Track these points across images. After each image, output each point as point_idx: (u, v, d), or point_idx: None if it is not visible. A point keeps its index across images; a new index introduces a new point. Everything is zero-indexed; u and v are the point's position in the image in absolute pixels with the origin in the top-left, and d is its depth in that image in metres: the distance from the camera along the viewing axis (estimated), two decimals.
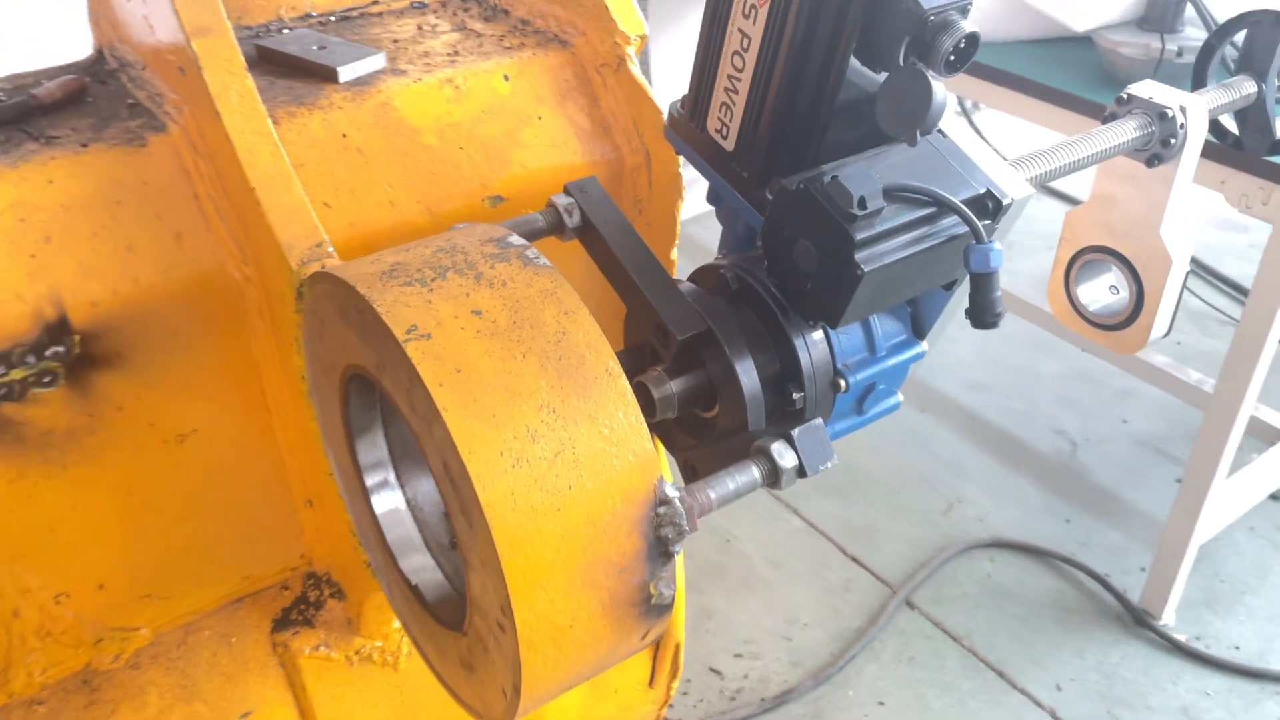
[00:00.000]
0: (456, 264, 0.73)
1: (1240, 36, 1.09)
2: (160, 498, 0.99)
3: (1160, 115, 0.97)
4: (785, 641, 2.08)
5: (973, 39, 0.75)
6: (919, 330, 0.95)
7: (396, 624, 1.12)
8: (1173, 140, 0.97)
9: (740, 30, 0.81)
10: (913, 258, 0.80)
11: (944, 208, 0.80)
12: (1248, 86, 1.06)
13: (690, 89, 0.89)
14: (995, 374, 2.80)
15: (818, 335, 0.88)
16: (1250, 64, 1.07)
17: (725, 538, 2.30)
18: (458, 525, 0.71)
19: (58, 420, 0.91)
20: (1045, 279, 1.18)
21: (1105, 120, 1.00)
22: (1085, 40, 1.91)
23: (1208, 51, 1.12)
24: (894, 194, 0.79)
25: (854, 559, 2.26)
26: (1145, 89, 0.99)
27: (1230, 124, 1.14)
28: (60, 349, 0.88)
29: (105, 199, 0.90)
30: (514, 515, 0.66)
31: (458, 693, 0.85)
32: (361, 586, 1.06)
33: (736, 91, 0.84)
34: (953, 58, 0.75)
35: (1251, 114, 1.09)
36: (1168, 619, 2.10)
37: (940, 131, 0.86)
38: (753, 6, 0.80)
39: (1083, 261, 1.11)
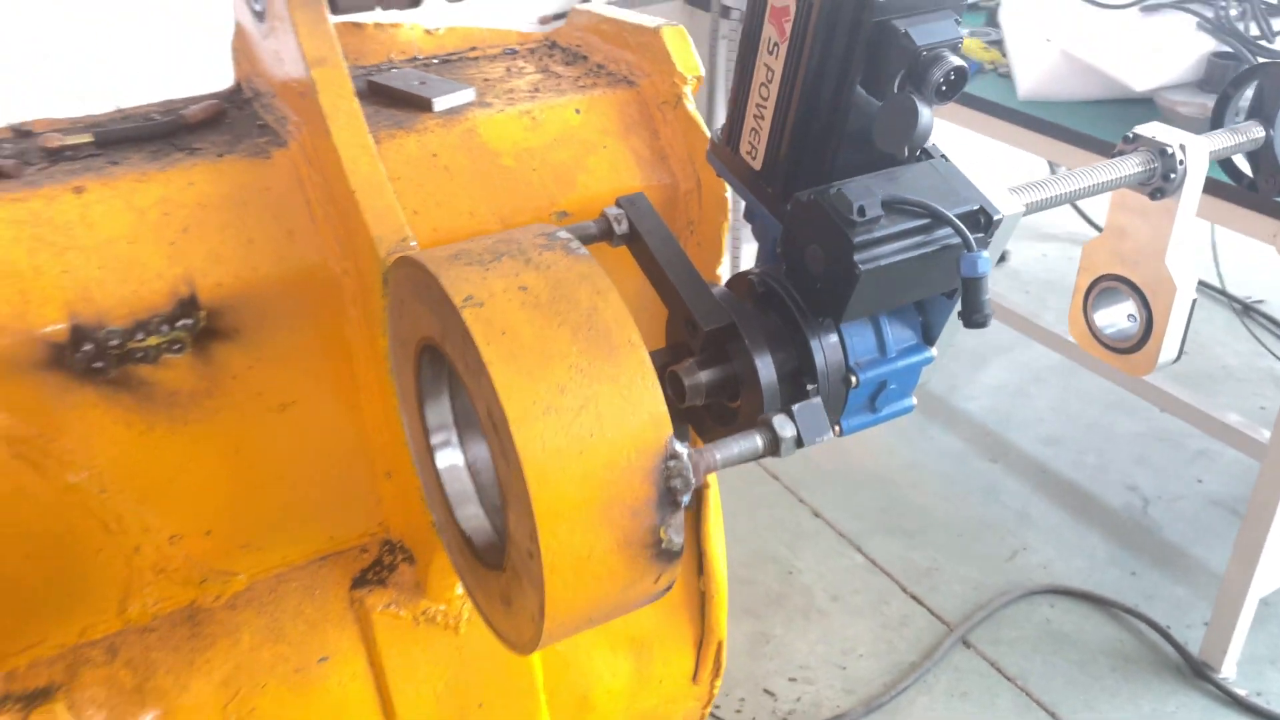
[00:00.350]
0: (510, 250, 0.87)
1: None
2: (262, 458, 1.15)
3: (1161, 152, 1.07)
4: (839, 670, 2.14)
5: (961, 71, 0.86)
6: (928, 337, 1.05)
7: (459, 590, 1.25)
8: (1173, 175, 1.06)
9: (765, 65, 0.95)
10: (907, 262, 0.91)
11: (938, 219, 0.91)
12: (1255, 131, 1.14)
13: (727, 117, 1.03)
14: (1070, 429, 2.83)
15: (833, 337, 0.99)
16: (1260, 111, 1.16)
17: (788, 569, 2.39)
18: (499, 467, 0.84)
19: (182, 383, 1.07)
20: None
21: (1113, 156, 1.10)
22: (1147, 101, 1.99)
23: (1223, 101, 1.20)
24: (893, 205, 0.91)
25: (913, 597, 2.32)
26: (1151, 129, 1.09)
27: (1245, 167, 1.22)
28: (189, 321, 1.05)
29: (233, 200, 1.08)
30: (542, 454, 0.79)
31: (497, 627, 0.97)
32: (429, 553, 1.20)
33: (763, 118, 0.97)
34: (943, 87, 0.87)
35: (1262, 157, 1.17)
36: (1227, 672, 2.09)
37: (944, 156, 0.97)
38: (775, 44, 0.93)
39: (1099, 289, 1.19)
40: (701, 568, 1.45)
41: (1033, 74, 2.05)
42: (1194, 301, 1.13)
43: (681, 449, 0.84)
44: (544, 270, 0.85)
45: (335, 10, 1.17)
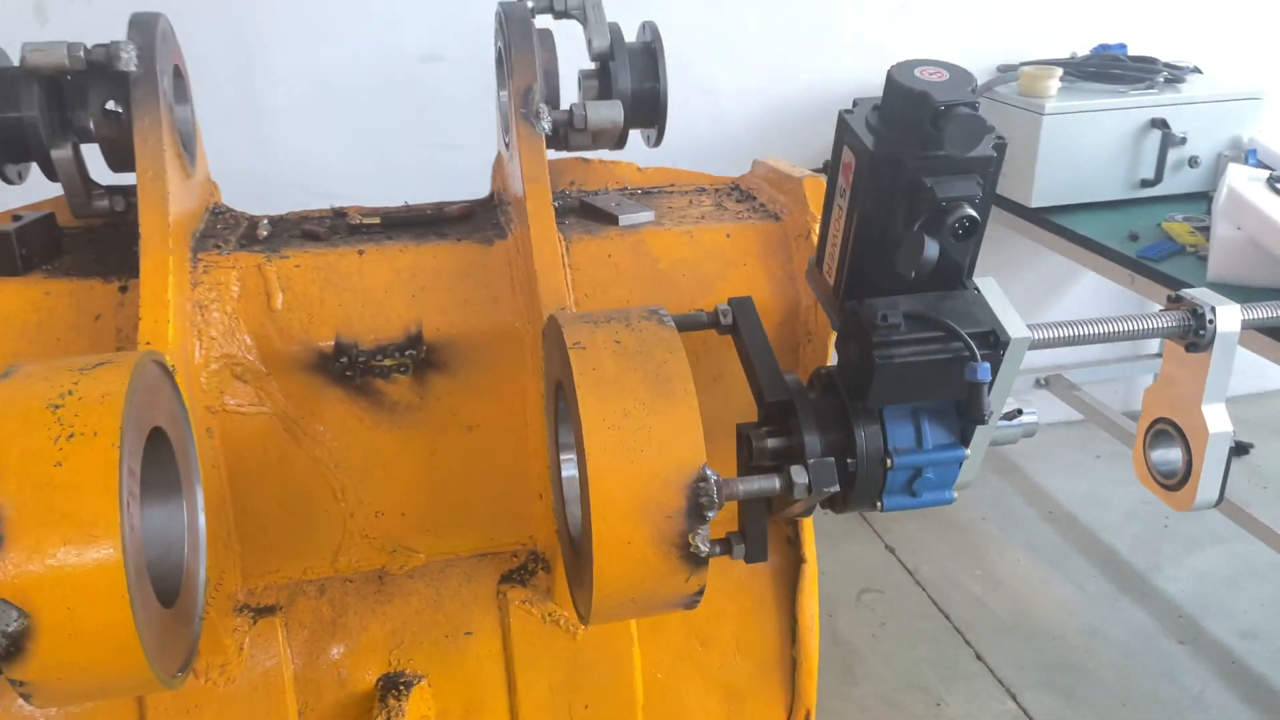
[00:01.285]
0: (619, 317, 1.20)
1: None
2: (450, 465, 1.52)
3: (1193, 311, 1.23)
4: None
5: (971, 219, 1.11)
6: (964, 439, 1.25)
7: None
8: (1203, 332, 1.23)
9: (838, 204, 1.23)
10: (922, 364, 1.14)
11: (951, 334, 1.15)
12: None
13: (817, 246, 1.31)
14: (1277, 628, 2.70)
15: (875, 426, 1.23)
16: None
17: (936, 701, 2.46)
18: (579, 469, 1.14)
19: (402, 396, 1.47)
20: None
21: (1162, 311, 1.27)
22: None
23: None
24: (915, 318, 1.15)
25: None
26: (1194, 293, 1.26)
27: None
28: (414, 352, 1.45)
29: (459, 272, 1.48)
30: (603, 456, 1.09)
31: (576, 603, 1.26)
32: (560, 567, 1.51)
33: (835, 245, 1.25)
34: (959, 230, 1.12)
35: None
36: None
37: (976, 288, 1.21)
38: (844, 189, 1.21)
39: (1154, 430, 1.34)
40: (795, 637, 1.65)
41: (1222, 258, 2.15)
42: (1231, 448, 1.26)
43: (711, 474, 1.11)
44: (637, 332, 1.17)
45: (566, 147, 1.58)
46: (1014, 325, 1.17)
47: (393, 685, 1.50)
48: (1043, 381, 3.54)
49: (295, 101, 2.76)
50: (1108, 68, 2.75)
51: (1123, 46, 2.97)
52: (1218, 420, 1.25)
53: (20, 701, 1.33)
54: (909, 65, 1.16)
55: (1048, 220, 2.62)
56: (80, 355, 1.13)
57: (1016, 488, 3.34)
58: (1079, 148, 2.60)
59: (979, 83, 2.66)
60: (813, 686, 1.68)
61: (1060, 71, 2.64)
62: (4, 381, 1.06)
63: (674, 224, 1.57)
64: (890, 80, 1.15)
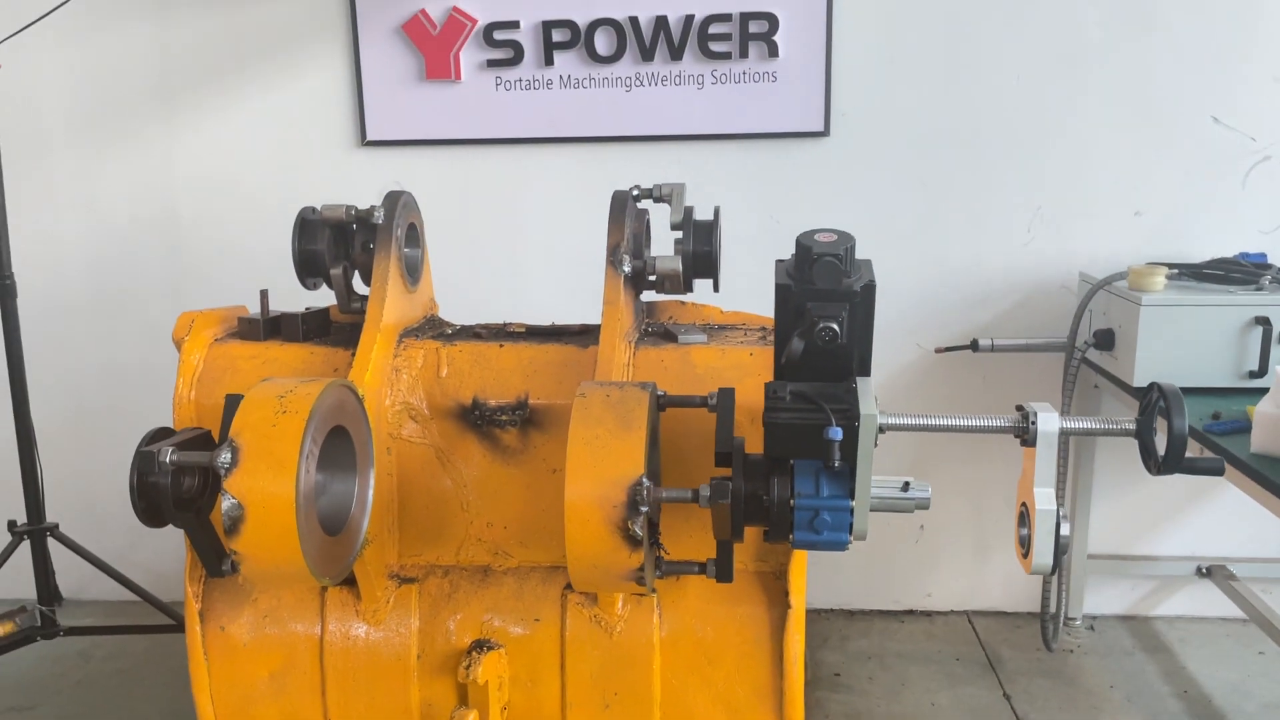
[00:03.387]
0: (619, 385, 1.83)
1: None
2: (540, 496, 2.17)
3: (1024, 415, 1.67)
4: None
5: (830, 330, 1.65)
6: (851, 494, 1.74)
7: (619, 608, 2.11)
8: (1029, 431, 1.66)
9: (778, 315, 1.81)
10: (797, 425, 1.67)
11: (820, 407, 1.67)
12: (1128, 425, 1.66)
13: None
14: None
15: (786, 477, 1.76)
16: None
17: None
18: (566, 469, 1.76)
19: (512, 442, 2.16)
20: None
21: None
22: None
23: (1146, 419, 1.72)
24: (799, 394, 1.70)
25: None
26: (1033, 404, 1.70)
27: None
28: (522, 412, 2.15)
29: (561, 364, 2.18)
30: (578, 462, 1.71)
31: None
32: None
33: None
34: (825, 336, 1.66)
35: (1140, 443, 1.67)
36: None
37: (854, 383, 1.72)
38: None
39: (1019, 510, 1.75)
40: (783, 671, 2.10)
41: (1261, 432, 2.39)
42: (1057, 524, 1.66)
43: (645, 481, 1.69)
44: (624, 390, 1.80)
45: (647, 286, 2.26)
46: (867, 407, 1.67)
47: (479, 647, 2.13)
48: (1204, 571, 3.61)
49: (543, 265, 3.65)
50: (1221, 269, 3.05)
51: (1263, 255, 3.23)
52: (1045, 500, 1.66)
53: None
54: (813, 231, 1.75)
55: None
56: (305, 378, 1.93)
57: (1159, 666, 3.42)
58: (1179, 338, 2.90)
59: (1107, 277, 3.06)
60: (797, 715, 2.11)
61: (1165, 270, 2.98)
62: (262, 384, 1.87)
63: (717, 344, 2.19)
64: (797, 240, 1.74)
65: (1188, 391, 3.03)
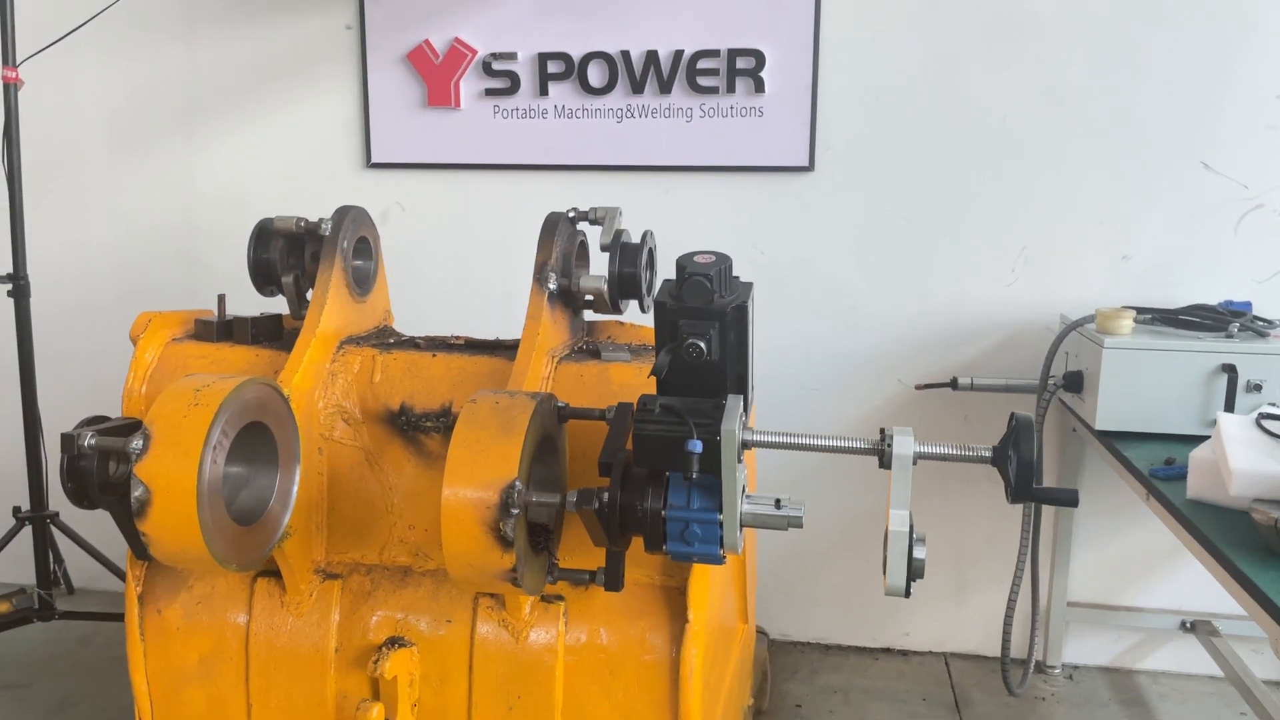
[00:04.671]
0: (511, 394, 1.91)
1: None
2: None
3: (883, 438, 1.71)
4: None
5: (699, 348, 1.71)
6: (719, 507, 1.79)
7: (525, 613, 2.17)
8: (886, 452, 1.69)
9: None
10: (663, 436, 1.73)
11: (686, 422, 1.73)
12: (985, 453, 1.68)
13: None
14: None
15: (660, 489, 1.81)
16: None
17: None
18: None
19: (436, 448, 2.25)
20: None
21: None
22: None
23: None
24: (668, 408, 1.75)
25: None
26: (894, 428, 1.73)
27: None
28: (445, 419, 2.24)
29: (485, 374, 2.27)
30: (458, 464, 1.79)
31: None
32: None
33: None
34: (693, 352, 1.72)
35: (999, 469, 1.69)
36: None
37: (724, 400, 1.78)
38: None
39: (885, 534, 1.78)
40: (678, 683, 2.13)
41: (1195, 478, 2.36)
42: (908, 543, 1.68)
43: (517, 484, 1.77)
44: (514, 398, 1.88)
45: (598, 310, 2.35)
46: (730, 422, 1.72)
47: (391, 643, 2.21)
48: (1188, 625, 3.52)
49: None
50: (1195, 315, 3.00)
51: (1248, 304, 3.18)
52: (898, 522, 1.69)
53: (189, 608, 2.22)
54: (694, 253, 1.81)
55: (1110, 443, 2.89)
56: (227, 375, 2.05)
57: None
58: (1142, 382, 2.87)
59: (1079, 319, 3.05)
60: None
61: (1133, 313, 2.95)
62: (185, 379, 2.00)
63: (639, 363, 2.25)
64: (676, 260, 1.81)
65: (1149, 437, 3.02)
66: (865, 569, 3.70)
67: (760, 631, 3.59)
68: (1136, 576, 3.62)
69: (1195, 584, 3.56)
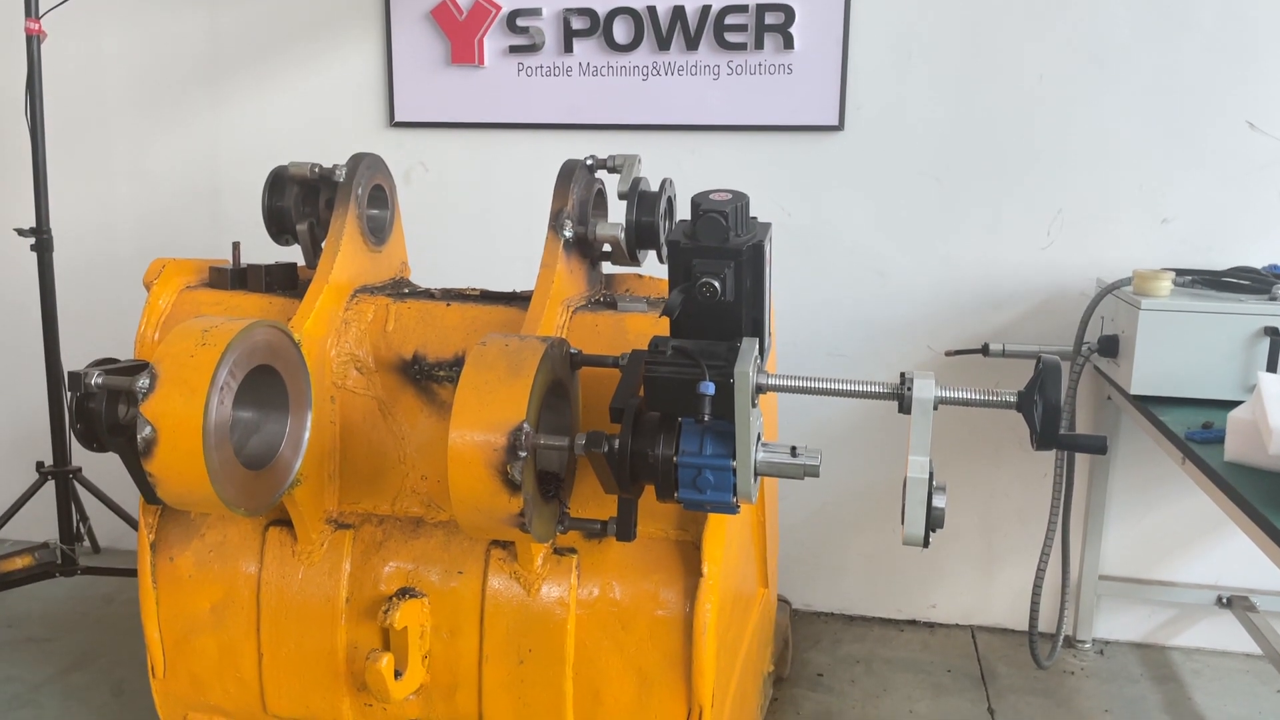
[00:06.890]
0: (521, 337, 1.87)
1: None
2: None
3: (902, 379, 1.64)
4: None
5: (712, 287, 1.66)
6: (733, 454, 1.73)
7: (537, 564, 2.13)
8: (906, 396, 1.63)
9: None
10: (675, 379, 1.68)
11: (698, 363, 1.67)
12: (1009, 398, 1.61)
13: None
14: None
15: (673, 435, 1.76)
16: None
17: None
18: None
19: (448, 397, 2.21)
20: None
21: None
22: None
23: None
24: (681, 350, 1.70)
25: None
26: (915, 373, 1.66)
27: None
28: (458, 367, 2.20)
29: (500, 323, 2.22)
30: (465, 404, 1.75)
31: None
32: (523, 540, 2.12)
33: None
34: (706, 292, 1.67)
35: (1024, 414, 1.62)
36: None
37: (739, 342, 1.72)
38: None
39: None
40: (692, 639, 2.08)
41: (1233, 440, 2.27)
42: (927, 491, 1.62)
43: (525, 427, 1.72)
44: (523, 341, 1.84)
45: (616, 262, 2.30)
46: (744, 365, 1.66)
47: (402, 594, 2.18)
48: (1225, 601, 3.42)
49: None
50: (1238, 277, 2.90)
51: None
52: (917, 469, 1.62)
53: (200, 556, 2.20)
54: (709, 191, 1.75)
55: (1145, 407, 2.79)
56: (235, 318, 2.02)
57: (1163, 696, 3.25)
58: (1179, 345, 2.77)
59: (1115, 281, 2.96)
60: (705, 686, 2.09)
61: (1172, 275, 2.85)
62: (193, 320, 1.97)
63: (655, 312, 2.20)
64: (692, 199, 1.75)
65: (1186, 402, 2.92)
66: (891, 539, 3.63)
67: (783, 600, 3.54)
68: (1171, 550, 3.52)
69: (1232, 559, 3.46)
